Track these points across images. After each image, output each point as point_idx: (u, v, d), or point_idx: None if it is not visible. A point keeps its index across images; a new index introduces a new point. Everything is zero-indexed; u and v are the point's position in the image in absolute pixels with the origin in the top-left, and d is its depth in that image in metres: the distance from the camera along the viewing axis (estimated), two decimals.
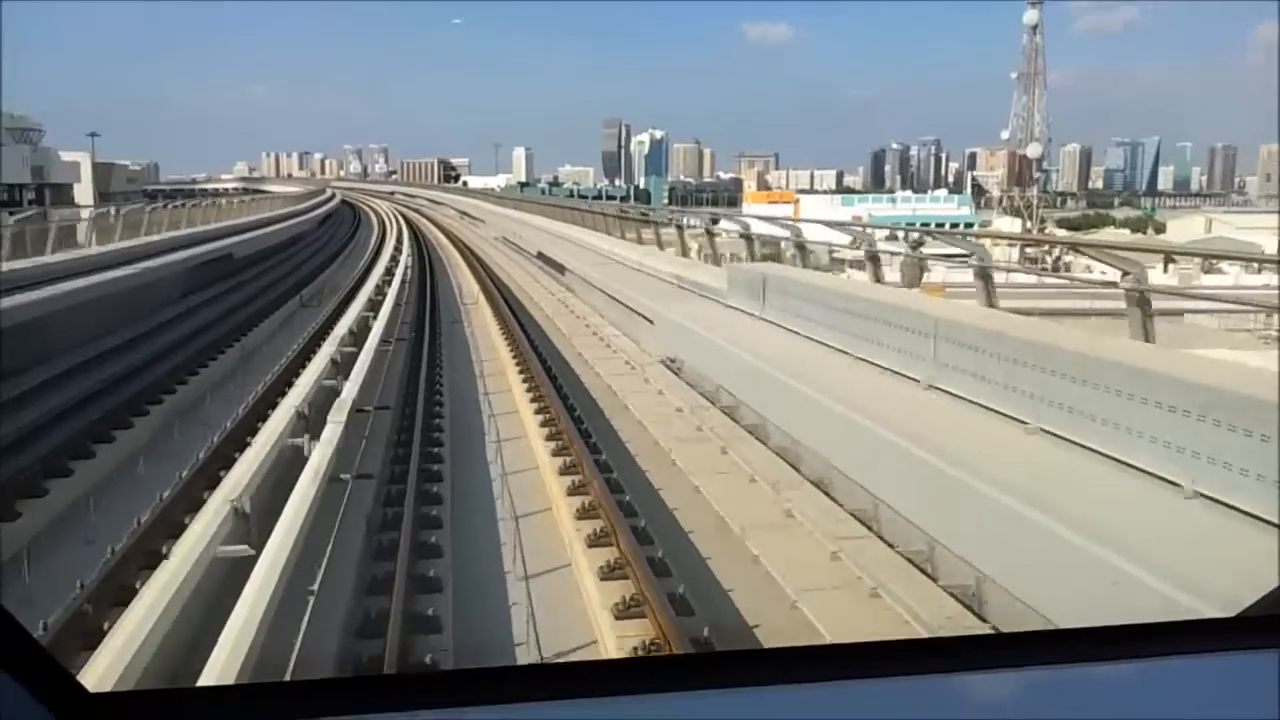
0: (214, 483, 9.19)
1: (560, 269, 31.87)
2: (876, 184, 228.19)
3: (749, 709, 1.32)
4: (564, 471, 10.92)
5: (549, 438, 12.26)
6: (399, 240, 43.52)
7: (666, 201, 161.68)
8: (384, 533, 9.11)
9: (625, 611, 7.45)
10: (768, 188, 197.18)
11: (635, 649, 6.91)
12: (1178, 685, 1.38)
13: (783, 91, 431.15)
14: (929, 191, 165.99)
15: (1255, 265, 38.74)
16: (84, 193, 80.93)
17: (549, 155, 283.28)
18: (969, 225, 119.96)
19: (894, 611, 7.41)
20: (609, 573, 8.20)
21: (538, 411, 13.62)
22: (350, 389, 12.45)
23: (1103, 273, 16.10)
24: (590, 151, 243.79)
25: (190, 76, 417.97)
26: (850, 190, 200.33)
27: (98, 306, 18.05)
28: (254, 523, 7.98)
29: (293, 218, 49.33)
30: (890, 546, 8.67)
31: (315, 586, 7.34)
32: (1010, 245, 63.89)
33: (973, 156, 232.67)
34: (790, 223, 25.86)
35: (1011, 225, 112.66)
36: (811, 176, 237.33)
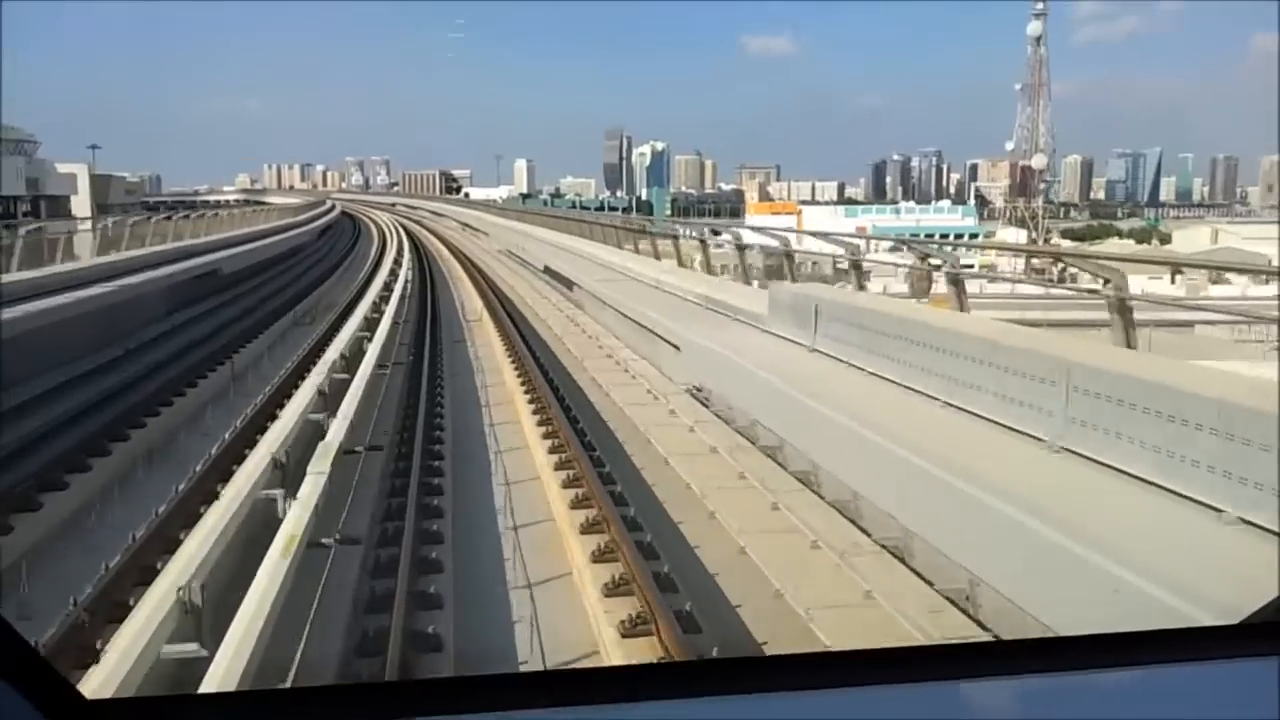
0: (172, 546, 7.63)
1: (569, 284, 30.30)
2: (878, 195, 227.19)
3: (750, 715, 1.32)
4: (586, 530, 9.29)
5: (565, 484, 10.62)
6: (399, 253, 42.11)
7: (669, 213, 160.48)
8: (369, 615, 7.45)
9: None
10: (770, 199, 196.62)
11: None
12: (1179, 692, 1.38)
13: (783, 103, 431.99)
14: (932, 202, 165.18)
15: (1263, 276, 38.11)
16: (81, 205, 79.65)
17: (550, 167, 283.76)
18: (973, 236, 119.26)
19: None
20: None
21: (551, 451, 11.99)
22: (338, 428, 10.85)
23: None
24: (592, 163, 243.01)
25: (193, 90, 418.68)
26: (852, 201, 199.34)
27: (63, 327, 16.42)
28: (206, 616, 6.36)
29: (290, 229, 47.99)
30: (996, 637, 7.00)
31: None
32: (1015, 256, 62.96)
33: (974, 168, 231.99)
34: (834, 235, 24.38)
35: (1016, 236, 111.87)
36: (813, 188, 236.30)
